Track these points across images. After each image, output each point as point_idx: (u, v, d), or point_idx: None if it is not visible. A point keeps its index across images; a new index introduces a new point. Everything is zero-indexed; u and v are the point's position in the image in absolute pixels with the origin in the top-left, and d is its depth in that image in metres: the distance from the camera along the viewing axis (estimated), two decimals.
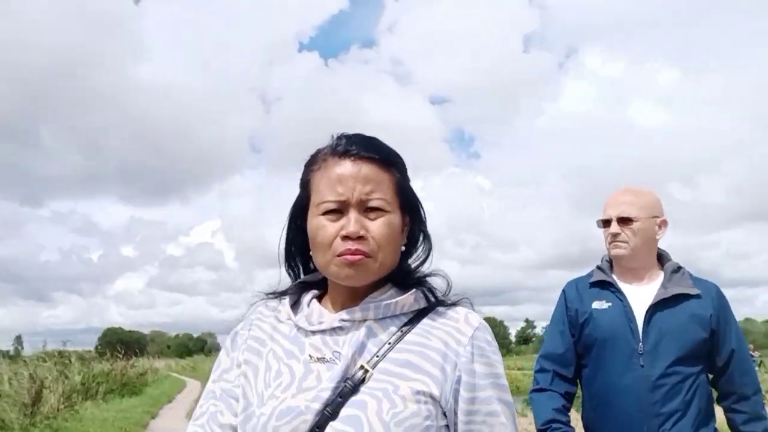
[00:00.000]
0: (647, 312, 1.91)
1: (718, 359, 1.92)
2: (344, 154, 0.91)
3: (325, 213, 0.90)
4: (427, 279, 0.97)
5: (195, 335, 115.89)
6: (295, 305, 0.97)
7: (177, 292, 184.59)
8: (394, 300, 0.92)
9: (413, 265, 0.97)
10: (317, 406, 0.84)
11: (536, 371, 2.11)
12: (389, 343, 0.90)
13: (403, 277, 0.96)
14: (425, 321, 0.93)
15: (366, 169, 0.90)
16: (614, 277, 2.03)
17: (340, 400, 0.84)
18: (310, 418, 0.83)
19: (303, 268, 1.01)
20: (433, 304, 0.94)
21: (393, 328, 0.91)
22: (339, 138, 0.94)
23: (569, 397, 2.03)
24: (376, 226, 0.89)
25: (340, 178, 0.90)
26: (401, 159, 0.97)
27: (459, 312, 0.94)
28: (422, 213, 0.98)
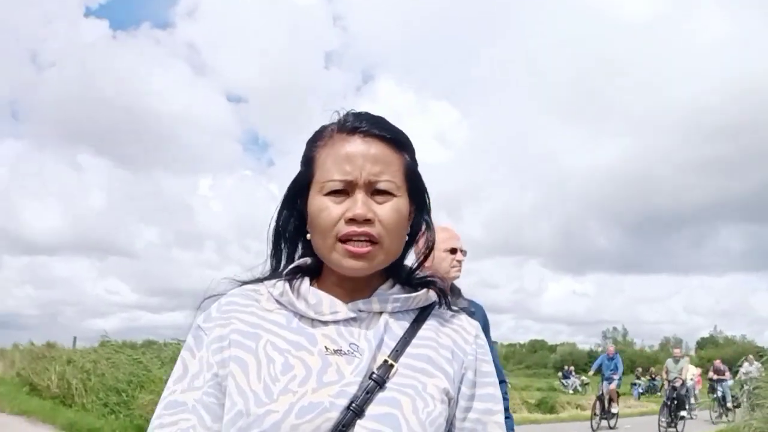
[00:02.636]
0: None
1: None
2: (353, 130, 0.85)
3: (330, 193, 0.83)
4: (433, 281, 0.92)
5: None
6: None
7: None
8: (413, 295, 0.88)
9: (416, 259, 0.92)
10: (343, 402, 0.76)
11: None
12: (405, 338, 0.85)
13: (407, 275, 0.91)
14: (431, 318, 0.90)
15: (376, 148, 0.85)
16: None
17: (366, 396, 0.78)
18: (334, 416, 0.75)
19: (288, 254, 0.93)
20: (439, 304, 0.92)
21: (405, 323, 0.87)
22: (347, 114, 0.88)
23: None
24: (384, 210, 0.83)
25: (348, 156, 0.83)
26: (412, 142, 0.90)
27: (457, 313, 0.93)
28: (428, 202, 0.92)
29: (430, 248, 0.91)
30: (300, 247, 0.92)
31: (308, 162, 0.88)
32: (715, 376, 17.16)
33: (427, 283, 0.91)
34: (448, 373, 0.85)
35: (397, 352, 0.83)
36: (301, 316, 0.86)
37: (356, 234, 0.81)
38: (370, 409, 0.77)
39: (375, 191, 0.84)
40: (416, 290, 0.90)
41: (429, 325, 0.89)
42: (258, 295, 0.89)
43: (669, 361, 13.48)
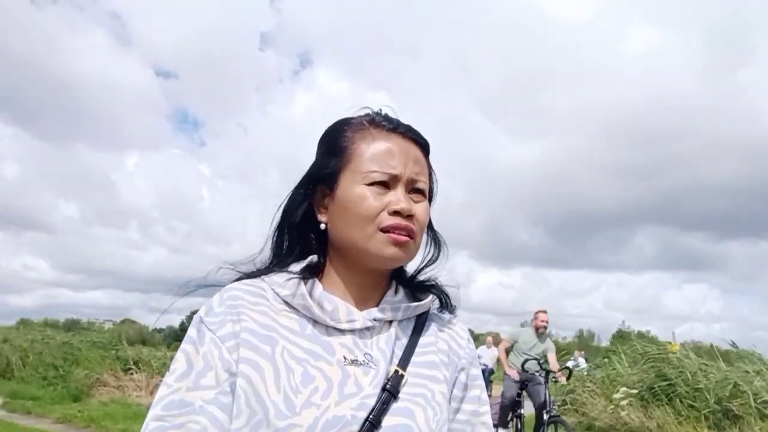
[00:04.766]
0: None
1: None
2: (392, 130, 0.86)
3: (371, 184, 0.82)
4: (437, 284, 0.93)
5: None
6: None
7: None
8: (421, 303, 0.89)
9: (425, 262, 0.92)
10: (363, 414, 0.76)
11: None
12: (410, 346, 0.86)
13: (412, 277, 0.92)
14: (430, 323, 0.91)
15: (414, 150, 0.86)
16: None
17: (382, 407, 0.78)
18: (355, 429, 0.75)
19: (289, 245, 0.89)
20: (442, 308, 0.94)
21: (408, 330, 0.88)
22: (378, 113, 0.89)
23: None
24: (420, 209, 0.85)
25: (393, 152, 0.84)
26: None
27: (447, 316, 0.95)
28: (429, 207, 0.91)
29: (439, 251, 0.92)
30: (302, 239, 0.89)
31: (340, 151, 0.85)
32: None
33: (428, 287, 0.92)
34: (446, 378, 0.86)
35: (405, 360, 0.84)
36: (315, 323, 0.83)
37: (400, 226, 0.81)
38: (386, 420, 0.77)
39: (413, 190, 0.85)
40: (419, 294, 0.91)
41: (429, 331, 0.90)
42: (263, 292, 0.84)
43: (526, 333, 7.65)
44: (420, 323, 0.90)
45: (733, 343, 10.53)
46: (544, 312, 7.61)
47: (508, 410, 7.38)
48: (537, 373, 7.20)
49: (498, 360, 9.66)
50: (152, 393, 12.28)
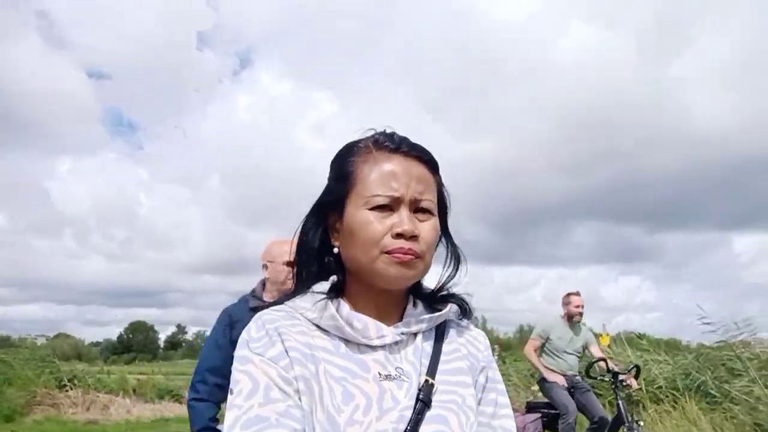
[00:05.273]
0: None
1: None
2: (395, 150, 0.87)
3: (374, 208, 0.84)
4: (455, 294, 0.94)
5: None
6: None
7: None
8: (442, 312, 0.91)
9: (445, 276, 0.93)
10: (402, 427, 0.79)
11: (197, 381, 2.40)
12: (435, 354, 0.88)
13: (433, 293, 0.93)
14: (449, 330, 0.94)
15: (417, 168, 0.87)
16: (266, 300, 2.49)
17: (418, 417, 0.81)
18: None
19: (313, 271, 0.91)
20: (462, 316, 0.96)
21: (431, 340, 0.90)
22: (382, 134, 0.90)
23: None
24: (426, 228, 0.85)
25: (394, 174, 0.85)
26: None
27: (464, 322, 0.97)
28: (447, 221, 0.93)
29: (457, 264, 0.93)
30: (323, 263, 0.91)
31: (345, 176, 0.87)
32: None
33: (445, 296, 0.93)
34: (473, 382, 0.90)
35: (433, 369, 0.86)
36: (347, 341, 0.85)
37: (404, 249, 0.82)
38: (423, 429, 0.80)
39: (417, 209, 0.86)
40: (437, 306, 0.92)
41: (450, 338, 0.92)
42: (294, 314, 0.87)
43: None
44: (440, 332, 0.92)
45: (641, 335, 11.36)
46: (578, 295, 5.76)
47: (571, 428, 5.31)
48: (578, 377, 5.66)
49: None
50: (89, 409, 12.24)
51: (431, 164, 0.90)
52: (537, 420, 5.57)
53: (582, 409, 5.50)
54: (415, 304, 0.92)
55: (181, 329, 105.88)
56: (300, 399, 0.79)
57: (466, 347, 0.94)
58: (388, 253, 0.83)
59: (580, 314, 5.70)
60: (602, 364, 5.52)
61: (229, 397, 0.80)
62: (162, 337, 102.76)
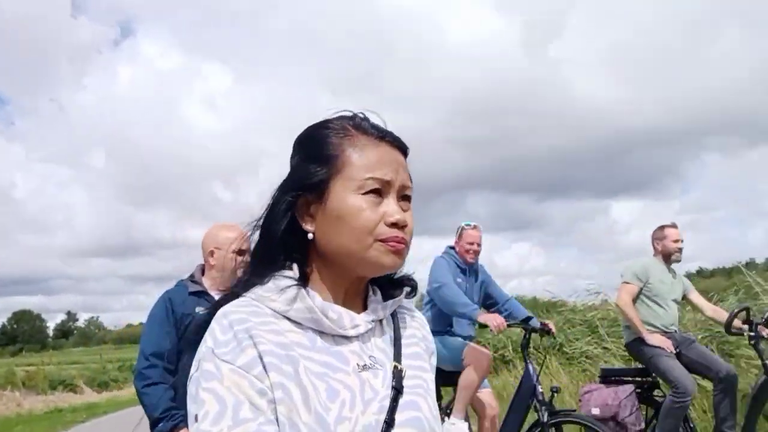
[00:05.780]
0: None
1: None
2: (382, 138, 0.86)
3: (366, 193, 0.82)
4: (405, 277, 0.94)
5: None
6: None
7: None
8: (400, 298, 0.92)
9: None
10: (383, 417, 0.78)
11: (144, 368, 2.38)
12: (396, 340, 0.89)
13: (388, 279, 0.92)
14: (400, 315, 0.94)
15: (400, 158, 0.87)
16: (206, 286, 2.55)
17: (393, 405, 0.80)
18: None
19: (275, 257, 0.86)
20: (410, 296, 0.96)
21: (390, 326, 0.91)
22: (363, 119, 0.88)
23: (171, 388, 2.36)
24: (410, 217, 0.86)
25: (385, 160, 0.84)
26: None
27: (407, 303, 0.97)
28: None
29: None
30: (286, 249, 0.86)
31: (328, 158, 0.84)
32: None
33: (398, 279, 0.93)
34: (430, 366, 0.93)
35: (398, 355, 0.86)
36: (321, 333, 0.82)
37: (398, 238, 0.82)
38: (398, 417, 0.80)
39: (402, 197, 0.86)
40: (392, 291, 0.92)
41: (404, 323, 0.93)
42: (261, 309, 0.81)
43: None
44: (395, 317, 0.92)
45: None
46: (675, 227, 4.30)
47: (685, 410, 3.84)
48: (679, 330, 4.28)
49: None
50: None
51: (406, 155, 0.90)
52: (632, 394, 4.02)
53: (695, 368, 3.98)
54: (374, 291, 0.91)
55: (71, 316, 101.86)
56: (276, 410, 0.74)
57: (420, 331, 0.95)
58: (382, 241, 0.82)
59: (680, 250, 4.27)
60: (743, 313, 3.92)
61: (192, 423, 0.74)
62: (51, 325, 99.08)
